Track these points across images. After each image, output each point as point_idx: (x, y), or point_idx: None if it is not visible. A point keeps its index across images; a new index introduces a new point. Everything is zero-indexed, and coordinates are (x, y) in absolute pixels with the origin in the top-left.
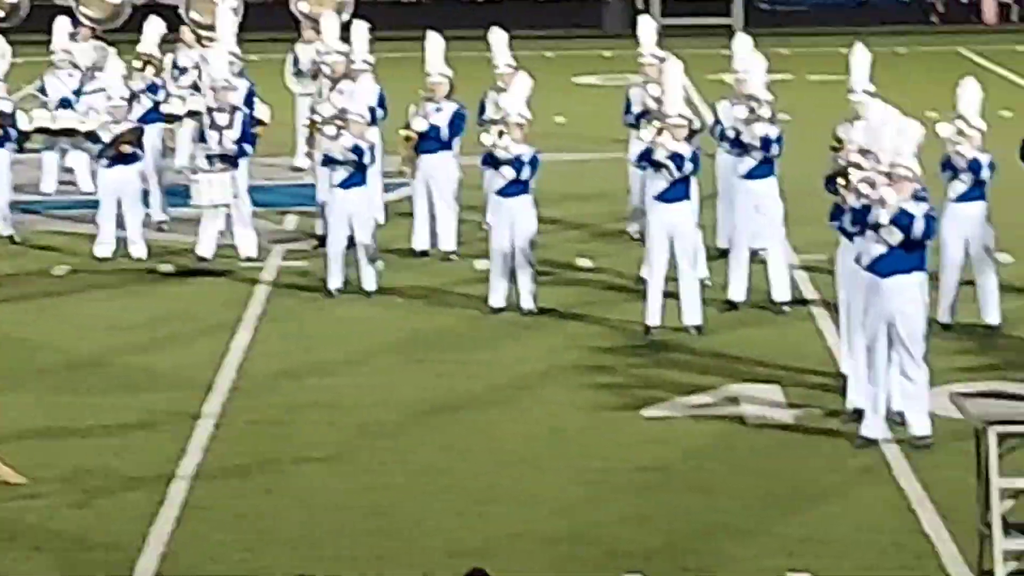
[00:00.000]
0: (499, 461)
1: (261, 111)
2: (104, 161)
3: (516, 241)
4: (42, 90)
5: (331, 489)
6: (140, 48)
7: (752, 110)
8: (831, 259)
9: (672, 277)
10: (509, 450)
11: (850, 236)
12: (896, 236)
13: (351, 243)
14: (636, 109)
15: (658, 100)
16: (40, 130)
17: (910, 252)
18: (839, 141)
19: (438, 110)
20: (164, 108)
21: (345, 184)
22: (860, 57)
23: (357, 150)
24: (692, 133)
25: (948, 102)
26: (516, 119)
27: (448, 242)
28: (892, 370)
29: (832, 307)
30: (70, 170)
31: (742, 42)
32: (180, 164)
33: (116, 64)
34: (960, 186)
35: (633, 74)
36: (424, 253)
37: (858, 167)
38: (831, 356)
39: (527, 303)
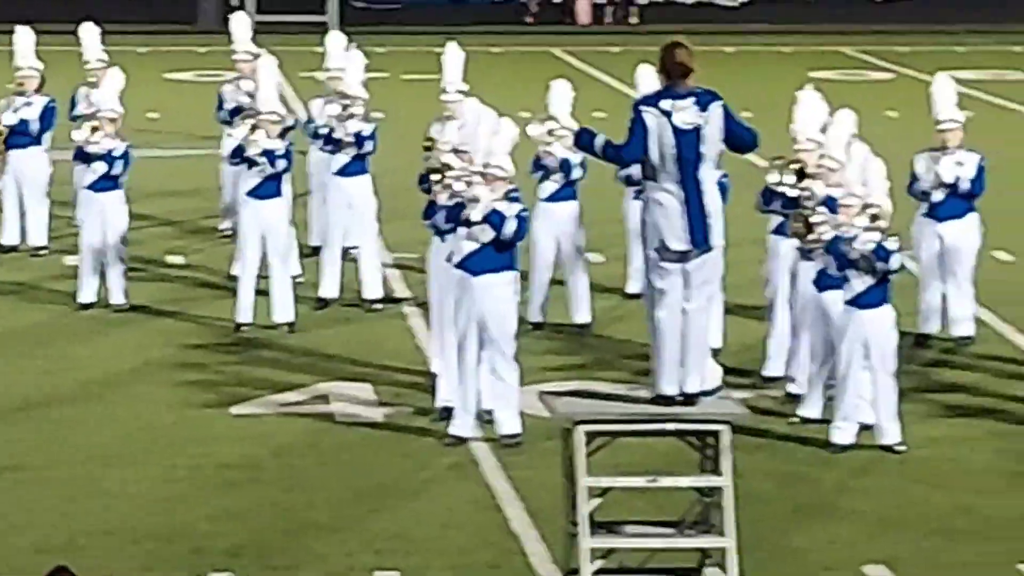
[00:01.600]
0: (89, 457)
1: None
2: None
3: (107, 237)
4: None
5: None
6: None
7: (345, 107)
8: (423, 257)
9: (264, 274)
10: (99, 446)
11: (442, 234)
12: (488, 235)
13: None
14: (229, 106)
15: (251, 97)
16: None
17: (501, 251)
18: (432, 140)
19: (28, 104)
20: None
21: None
22: (453, 56)
23: None
24: (285, 130)
25: (541, 102)
26: (108, 114)
27: (38, 237)
28: (482, 368)
29: (424, 305)
30: None
31: (335, 40)
32: None
33: None
34: (551, 186)
35: (227, 70)
36: (13, 248)
37: (450, 166)
38: (422, 354)
39: (117, 299)
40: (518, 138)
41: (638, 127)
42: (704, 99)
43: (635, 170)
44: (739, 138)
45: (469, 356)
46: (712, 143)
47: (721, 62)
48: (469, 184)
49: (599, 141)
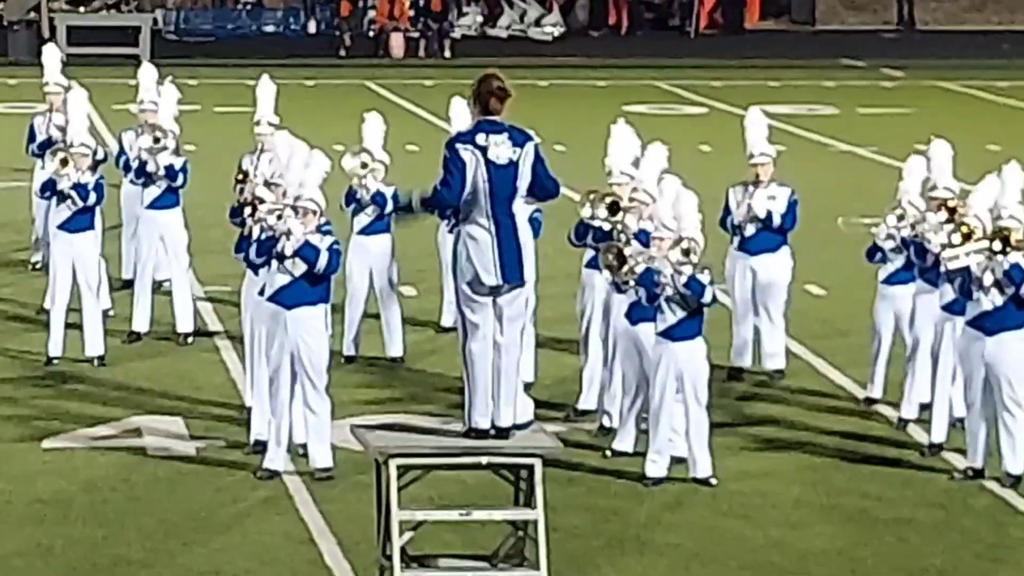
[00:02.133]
0: None
1: None
2: None
3: None
4: None
5: None
6: None
7: (157, 139)
8: (236, 290)
9: (75, 307)
10: None
11: (255, 268)
12: (301, 268)
13: None
14: (40, 138)
15: (62, 129)
16: None
17: (314, 284)
18: (244, 173)
19: None
20: None
21: None
22: (266, 89)
23: None
24: (96, 163)
25: (355, 135)
26: None
27: None
28: (295, 402)
29: (236, 339)
30: None
31: (147, 72)
32: None
33: None
34: (364, 219)
35: (38, 102)
36: None
37: (262, 199)
38: (235, 388)
39: None
40: (329, 170)
41: (455, 164)
42: (518, 137)
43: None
44: (543, 185)
45: (282, 390)
46: (525, 178)
47: (535, 95)
48: (281, 217)
49: (415, 197)
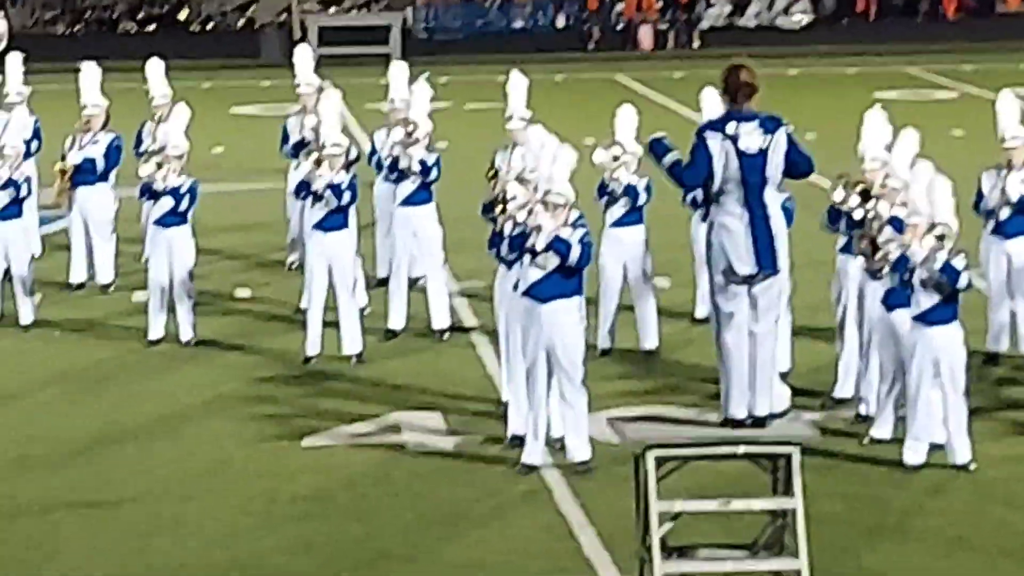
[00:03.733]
0: (161, 492)
1: None
2: None
3: (174, 272)
4: None
5: None
6: None
7: (409, 134)
8: (491, 286)
9: (331, 307)
10: (171, 482)
11: (508, 263)
12: (553, 262)
13: (7, 276)
14: (294, 139)
15: (315, 130)
16: None
17: (567, 278)
18: (495, 169)
19: (94, 141)
20: None
21: (0, 216)
22: (517, 84)
23: (12, 183)
24: (350, 162)
25: (604, 129)
26: (174, 150)
27: (105, 274)
28: (552, 396)
29: (492, 334)
30: None
31: (398, 70)
32: None
33: None
34: (617, 211)
35: (291, 103)
36: (81, 286)
37: (514, 194)
38: (492, 383)
39: (186, 334)
40: (577, 164)
41: (700, 153)
42: (769, 124)
43: (700, 193)
44: (797, 165)
45: (538, 384)
46: (776, 166)
47: (785, 85)
48: (532, 212)
49: (669, 158)
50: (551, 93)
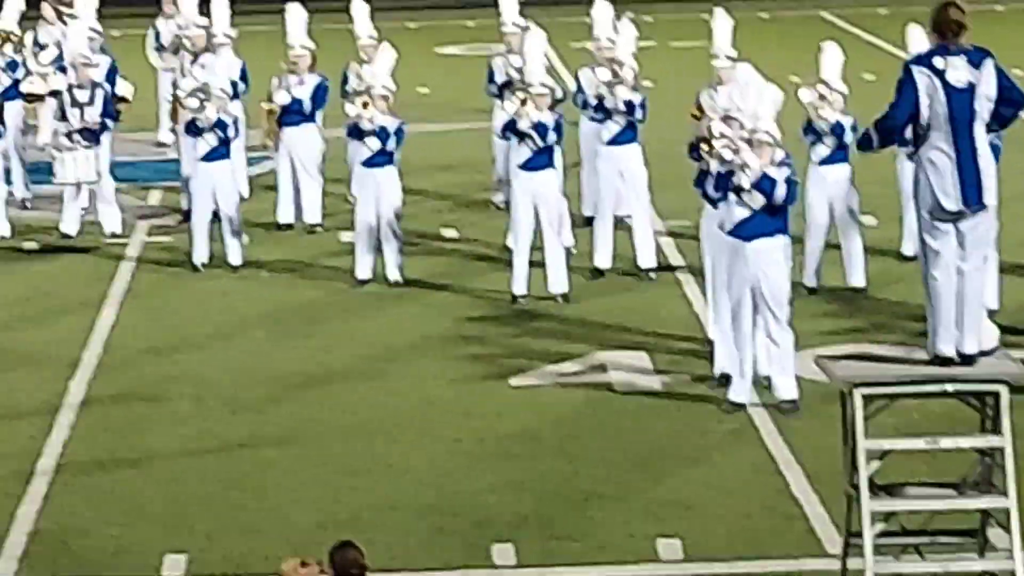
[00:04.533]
0: (368, 433)
1: (123, 87)
2: None
3: (381, 212)
4: None
5: (200, 464)
6: None
7: (615, 74)
8: (696, 224)
9: (538, 246)
10: (379, 421)
11: (714, 202)
12: (758, 200)
13: (216, 217)
14: (499, 79)
15: (520, 70)
16: None
17: (772, 216)
18: (701, 108)
19: (301, 83)
20: (24, 86)
21: (209, 158)
22: (722, 23)
23: (220, 124)
24: (555, 102)
25: (811, 67)
26: (381, 90)
27: (313, 215)
28: (758, 334)
29: (698, 273)
30: None
31: (603, 8)
32: (42, 141)
33: None
34: (823, 150)
35: (496, 44)
36: (289, 226)
37: (720, 133)
38: (698, 321)
39: (393, 274)
40: (782, 102)
41: (908, 87)
42: (976, 57)
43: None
44: (1010, 97)
45: (744, 322)
46: (985, 101)
47: (993, 21)
48: (738, 151)
49: (870, 132)
50: (756, 31)
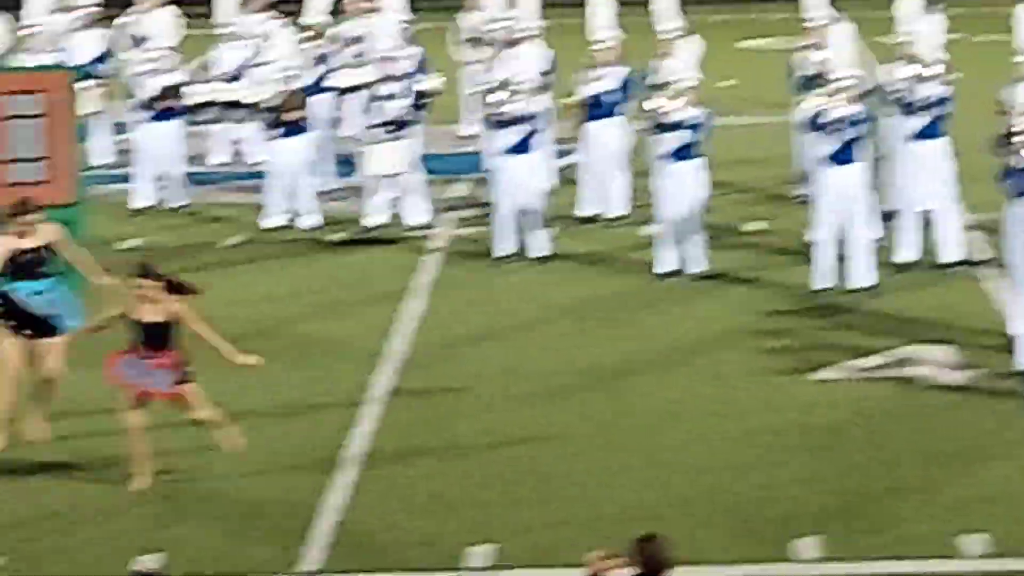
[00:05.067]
0: (670, 425)
1: (431, 80)
2: (273, 132)
3: (685, 206)
4: (211, 63)
5: (506, 455)
6: (308, 19)
7: (920, 67)
8: (1000, 218)
9: (842, 239)
10: (680, 415)
11: (1019, 196)
12: None
13: (520, 210)
14: (804, 73)
15: (823, 64)
16: (210, 103)
17: None
18: (1003, 103)
19: (607, 76)
20: (333, 80)
21: (514, 151)
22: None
23: (526, 117)
24: (861, 96)
25: None
26: (686, 83)
27: (617, 207)
28: None
29: (1002, 267)
30: (239, 141)
31: (909, 3)
32: (350, 133)
33: (285, 35)
34: None
35: (797, 38)
36: (593, 219)
37: (1022, 128)
38: (1001, 316)
39: (696, 267)
40: None
41: None
42: None
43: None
44: None
45: None
46: None
47: None
48: None
49: None
50: None
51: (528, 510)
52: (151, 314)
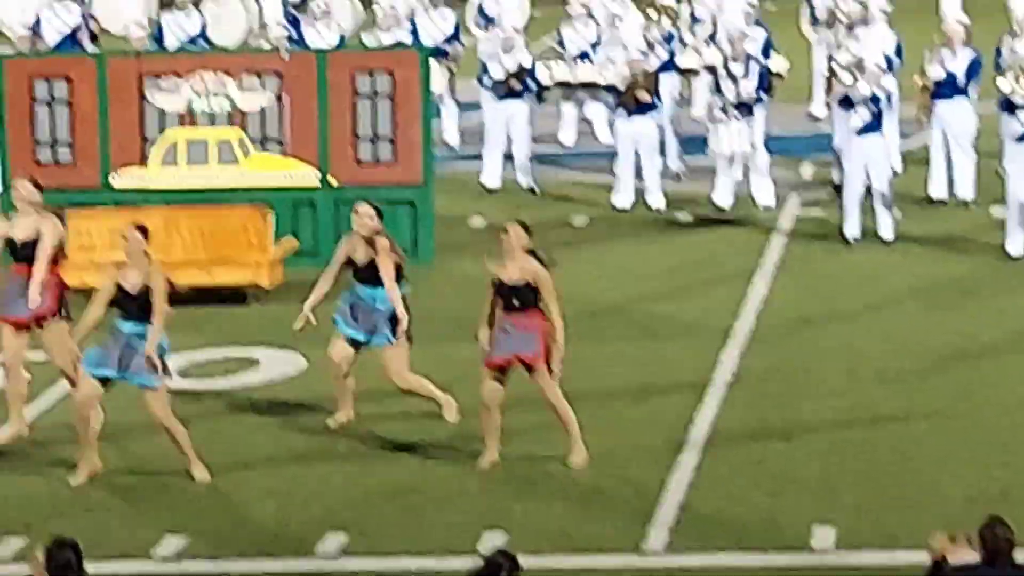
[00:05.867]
0: (1017, 409)
1: (778, 62)
2: (621, 112)
3: None
4: (560, 43)
5: (850, 436)
6: None
7: None
8: None
9: None
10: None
11: None
12: None
13: (868, 191)
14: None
15: None
16: (559, 84)
17: None
18: None
19: (954, 57)
20: (680, 61)
21: (862, 131)
22: None
23: (874, 98)
24: None
25: None
26: None
27: (965, 189)
28: None
29: None
30: (588, 121)
31: None
32: (697, 113)
33: (633, 15)
34: None
35: None
36: (941, 201)
37: None
38: None
39: None
40: None
41: None
42: None
43: None
44: None
45: None
46: None
47: None
48: None
49: None
50: None
51: (872, 491)
52: (514, 275)
